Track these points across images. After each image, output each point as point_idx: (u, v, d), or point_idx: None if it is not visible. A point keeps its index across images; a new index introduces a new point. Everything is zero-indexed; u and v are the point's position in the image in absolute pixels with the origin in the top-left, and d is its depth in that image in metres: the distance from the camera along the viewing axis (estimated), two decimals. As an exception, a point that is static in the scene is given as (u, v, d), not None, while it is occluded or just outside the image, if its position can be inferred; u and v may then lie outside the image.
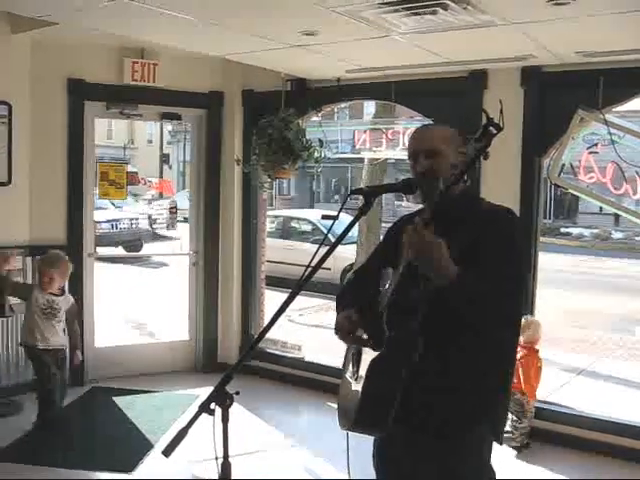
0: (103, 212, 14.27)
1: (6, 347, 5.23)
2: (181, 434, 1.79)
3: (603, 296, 12.09)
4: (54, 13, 4.07)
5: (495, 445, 2.25)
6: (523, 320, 4.51)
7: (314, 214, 14.69)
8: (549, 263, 10.11)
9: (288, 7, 3.62)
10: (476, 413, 2.15)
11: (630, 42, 4.00)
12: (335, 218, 2.24)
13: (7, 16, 4.95)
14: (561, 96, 4.61)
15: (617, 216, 21.38)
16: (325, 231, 12.28)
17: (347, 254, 10.97)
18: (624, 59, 4.25)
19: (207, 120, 6.17)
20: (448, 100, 4.93)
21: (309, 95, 5.73)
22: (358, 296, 2.38)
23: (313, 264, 1.98)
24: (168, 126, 26.41)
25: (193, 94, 5.99)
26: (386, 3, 3.43)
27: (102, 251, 8.18)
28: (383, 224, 11.40)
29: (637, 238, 21.15)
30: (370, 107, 15.04)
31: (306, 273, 1.98)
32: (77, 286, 5.60)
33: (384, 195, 2.44)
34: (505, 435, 4.50)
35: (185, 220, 10.19)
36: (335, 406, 2.40)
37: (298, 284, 1.98)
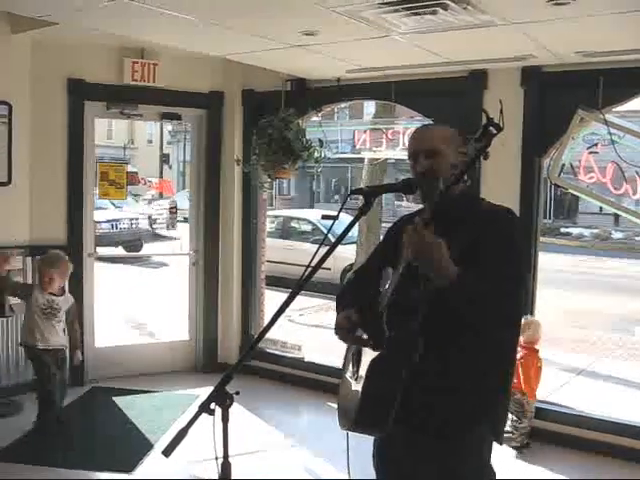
0: (103, 212, 14.28)
1: (6, 347, 5.23)
2: (181, 434, 1.80)
3: (603, 296, 12.08)
4: (54, 13, 4.07)
5: (495, 445, 2.25)
6: (523, 320, 4.51)
7: (314, 214, 14.69)
8: (549, 263, 10.10)
9: (288, 7, 3.62)
10: (476, 413, 2.15)
11: (630, 42, 4.00)
12: (335, 218, 2.24)
13: (7, 16, 4.95)
14: (561, 96, 4.61)
15: (617, 216, 21.38)
16: (325, 231, 12.28)
17: (347, 254, 10.97)
18: (624, 59, 4.25)
19: (207, 120, 6.17)
20: (448, 100, 4.93)
21: (309, 95, 5.73)
22: (358, 296, 2.38)
23: (313, 264, 1.98)
24: (168, 126, 26.43)
25: (193, 94, 5.99)
26: (386, 3, 3.43)
27: (102, 251, 8.18)
28: (383, 224, 11.39)
29: (637, 238, 21.14)
30: (370, 107, 15.04)
31: (306, 273, 1.98)
32: (77, 286, 5.60)
33: (384, 195, 2.45)
34: (505, 435, 4.53)
35: (185, 220, 10.19)
36: (335, 406, 2.40)
37: (298, 284, 1.97)
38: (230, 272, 6.25)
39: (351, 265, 11.32)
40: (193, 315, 6.34)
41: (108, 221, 14.85)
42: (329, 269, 11.17)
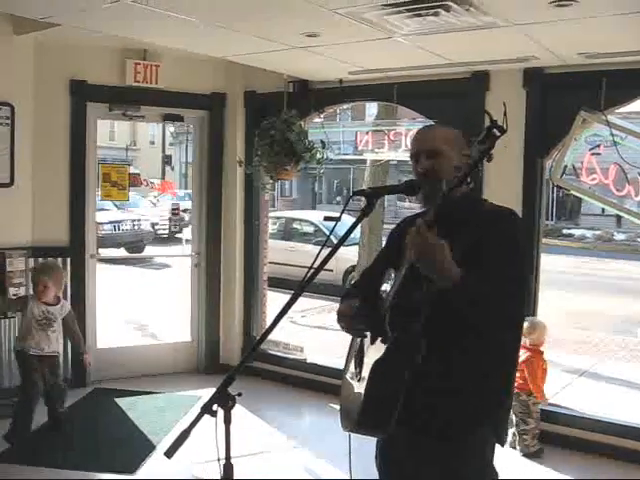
0: (105, 213, 14.28)
1: (7, 349, 5.22)
2: (183, 435, 1.79)
3: (605, 297, 12.06)
4: (57, 15, 4.07)
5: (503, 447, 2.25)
6: (529, 322, 4.52)
7: (316, 215, 14.69)
8: (551, 264, 10.11)
9: (291, 9, 3.62)
10: (478, 415, 2.14)
11: (632, 43, 4.00)
12: (337, 220, 2.24)
13: (10, 17, 4.96)
14: (563, 97, 4.60)
15: (619, 217, 21.35)
16: (327, 232, 12.28)
17: (349, 255, 10.96)
18: (626, 60, 4.24)
19: (209, 121, 6.18)
20: (450, 101, 4.93)
21: (311, 96, 5.73)
22: (363, 294, 2.38)
23: (315, 265, 1.98)
24: (170, 127, 26.38)
25: (195, 95, 6.00)
26: (388, 5, 3.43)
27: (104, 252, 8.19)
28: (385, 225, 11.40)
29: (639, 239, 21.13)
30: (372, 108, 15.06)
31: (308, 274, 1.98)
32: (79, 287, 5.62)
33: (386, 196, 2.45)
34: (525, 443, 4.54)
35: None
36: (337, 407, 2.39)
37: (300, 285, 1.97)
38: (232, 273, 6.25)
39: (353, 266, 11.32)
40: (195, 316, 6.34)
41: (110, 222, 14.86)
42: (331, 270, 11.17)
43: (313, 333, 8.66)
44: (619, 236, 22.06)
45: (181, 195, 16.44)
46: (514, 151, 4.65)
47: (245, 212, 6.22)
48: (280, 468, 4.35)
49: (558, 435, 4.70)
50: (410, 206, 18.72)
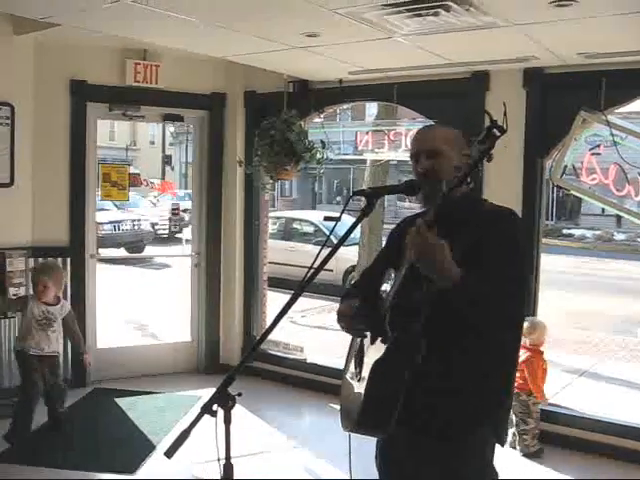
0: (105, 213, 14.27)
1: (7, 349, 5.22)
2: (183, 435, 1.79)
3: (605, 297, 12.06)
4: (57, 15, 4.07)
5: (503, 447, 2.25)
6: (530, 322, 4.52)
7: (316, 215, 14.69)
8: (551, 264, 10.11)
9: (290, 9, 3.62)
10: (478, 415, 2.14)
11: (632, 43, 4.00)
12: (337, 220, 2.24)
13: (10, 17, 4.96)
14: (563, 97, 4.60)
15: (619, 217, 21.35)
16: (327, 232, 12.28)
17: (349, 255, 10.97)
18: (626, 60, 4.24)
19: (209, 121, 6.18)
20: (450, 101, 4.93)
21: (311, 96, 5.73)
22: (363, 294, 2.38)
23: (315, 265, 1.98)
24: (170, 127, 26.39)
25: (195, 95, 6.00)
26: (388, 5, 3.43)
27: (104, 252, 8.19)
28: (385, 225, 11.40)
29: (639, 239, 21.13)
30: (372, 108, 15.06)
31: (308, 274, 1.98)
32: (79, 287, 5.62)
33: (386, 196, 2.45)
34: (525, 443, 4.54)
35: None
36: (337, 407, 2.39)
37: (300, 285, 1.97)
38: (232, 273, 6.25)
39: (353, 266, 11.32)
40: (195, 316, 6.34)
41: (110, 222, 14.85)
42: (331, 270, 11.17)
43: (313, 333, 8.66)
44: (619, 236, 22.06)
45: (181, 195, 16.44)
46: (514, 151, 4.65)
47: (245, 212, 6.22)
48: (280, 468, 4.35)
49: (558, 435, 4.70)
50: (410, 206, 18.72)
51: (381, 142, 5.92)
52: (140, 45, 5.50)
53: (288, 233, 13.76)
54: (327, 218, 12.58)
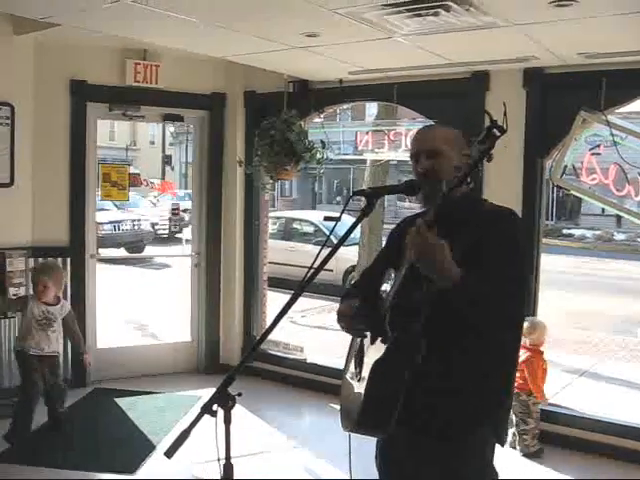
0: (105, 213, 14.27)
1: (7, 349, 5.22)
2: (183, 435, 1.79)
3: (605, 297, 12.06)
4: (57, 15, 4.07)
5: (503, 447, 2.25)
6: (530, 322, 4.52)
7: (316, 215, 14.69)
8: (551, 264, 10.11)
9: (290, 9, 3.62)
10: (478, 415, 2.14)
11: (632, 43, 4.00)
12: (337, 220, 2.24)
13: (10, 17, 4.96)
14: (563, 97, 4.60)
15: (619, 218, 21.34)
16: (327, 232, 12.28)
17: (349, 255, 10.97)
18: (626, 60, 4.24)
19: (209, 121, 6.18)
20: (450, 101, 4.93)
21: (311, 96, 5.73)
22: (363, 294, 2.38)
23: (315, 265, 1.98)
24: (170, 127, 26.38)
25: (195, 95, 6.00)
26: (388, 5, 3.43)
27: (104, 252, 8.19)
28: (385, 225, 11.40)
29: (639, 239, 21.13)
30: (372, 108, 15.06)
31: (308, 274, 1.98)
32: (79, 287, 5.62)
33: (386, 196, 2.44)
34: (525, 443, 4.54)
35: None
36: (337, 407, 2.39)
37: (300, 285, 1.97)
38: (232, 273, 6.25)
39: (353, 266, 11.32)
40: (195, 316, 6.34)
41: (110, 222, 14.85)
42: (331, 270, 11.17)
43: (313, 333, 8.66)
44: (619, 236, 22.06)
45: (181, 195, 16.43)
46: (514, 151, 4.65)
47: (245, 212, 6.22)
48: (280, 468, 4.35)
49: (558, 435, 4.70)
50: (410, 206, 18.72)
51: (381, 142, 5.92)
52: (140, 45, 5.50)
53: (288, 233, 13.76)
54: (327, 218, 12.58)
